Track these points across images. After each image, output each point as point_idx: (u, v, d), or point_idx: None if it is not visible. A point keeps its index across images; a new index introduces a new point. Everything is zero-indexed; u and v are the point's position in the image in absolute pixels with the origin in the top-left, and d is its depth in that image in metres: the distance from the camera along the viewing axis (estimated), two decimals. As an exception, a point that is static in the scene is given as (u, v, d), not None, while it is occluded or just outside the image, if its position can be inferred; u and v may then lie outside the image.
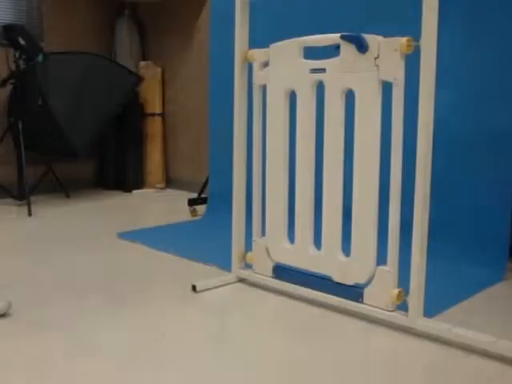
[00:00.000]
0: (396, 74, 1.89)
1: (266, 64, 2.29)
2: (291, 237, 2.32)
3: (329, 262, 2.16)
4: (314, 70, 2.13)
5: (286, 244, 2.33)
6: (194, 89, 4.76)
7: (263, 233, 2.37)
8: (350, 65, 2.01)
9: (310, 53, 2.19)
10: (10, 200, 4.35)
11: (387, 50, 1.90)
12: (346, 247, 2.11)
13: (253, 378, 1.66)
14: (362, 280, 2.05)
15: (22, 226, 3.62)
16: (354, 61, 1.99)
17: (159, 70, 5.02)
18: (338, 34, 2.04)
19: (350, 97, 2.07)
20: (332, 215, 2.15)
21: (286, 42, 2.21)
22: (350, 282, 2.09)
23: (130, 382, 1.63)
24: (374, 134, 1.97)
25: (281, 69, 2.24)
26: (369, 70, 1.96)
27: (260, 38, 2.49)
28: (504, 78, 2.61)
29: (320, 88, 2.14)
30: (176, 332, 1.98)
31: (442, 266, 2.60)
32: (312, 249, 2.24)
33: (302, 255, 2.26)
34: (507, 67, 2.60)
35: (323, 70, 2.10)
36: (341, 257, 2.13)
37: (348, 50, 2.00)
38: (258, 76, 2.31)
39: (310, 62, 2.14)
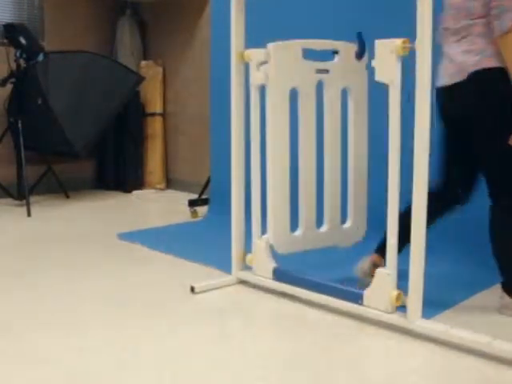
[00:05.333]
0: (392, 75, 1.89)
1: (261, 64, 2.27)
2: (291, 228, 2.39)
3: (333, 233, 2.43)
4: (319, 71, 2.26)
5: (292, 234, 2.36)
6: (195, 88, 4.75)
7: (263, 232, 2.36)
8: (351, 67, 2.19)
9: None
10: (9, 200, 4.35)
11: (383, 52, 1.90)
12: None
13: (252, 379, 1.66)
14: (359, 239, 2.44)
15: (21, 226, 3.62)
16: (354, 63, 2.08)
17: (160, 69, 5.02)
18: (339, 42, 2.26)
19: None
20: (333, 197, 2.42)
21: (287, 42, 2.22)
22: (352, 242, 2.44)
23: (130, 382, 1.63)
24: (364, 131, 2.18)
25: (283, 68, 2.23)
26: (365, 71, 2.03)
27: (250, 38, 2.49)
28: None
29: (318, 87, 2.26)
30: (174, 333, 1.97)
31: (440, 268, 2.60)
32: (316, 229, 2.41)
33: (309, 238, 2.38)
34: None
35: (326, 71, 2.27)
36: (342, 226, 2.45)
37: (348, 54, 2.06)
38: (256, 76, 2.29)
39: (315, 63, 2.25)
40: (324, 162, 2.38)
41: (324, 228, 2.44)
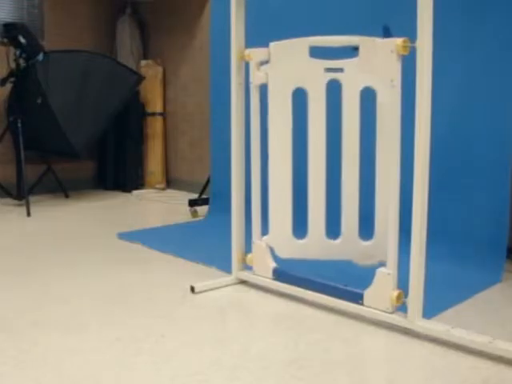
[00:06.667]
0: (392, 75, 1.89)
1: (262, 63, 2.27)
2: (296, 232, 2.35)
3: (349, 248, 2.26)
4: (330, 69, 2.18)
5: (294, 239, 2.34)
6: (195, 88, 4.75)
7: (263, 232, 2.36)
8: (369, 64, 2.06)
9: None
10: (8, 200, 4.34)
11: (383, 51, 1.90)
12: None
13: (252, 379, 1.65)
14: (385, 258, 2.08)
15: (20, 226, 3.62)
16: (372, 61, 2.03)
17: (160, 69, 5.02)
18: (356, 37, 2.10)
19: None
20: (350, 209, 2.26)
21: (290, 40, 2.21)
22: (375, 262, 2.16)
23: (130, 381, 1.62)
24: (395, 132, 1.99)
25: (285, 67, 2.23)
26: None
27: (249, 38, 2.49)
28: (499, 80, 2.60)
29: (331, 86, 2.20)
30: (175, 333, 1.97)
31: (440, 268, 2.59)
32: (325, 239, 2.30)
33: (315, 247, 2.30)
34: (503, 68, 2.59)
35: (340, 70, 2.16)
36: (362, 241, 2.25)
37: (368, 50, 2.03)
38: (257, 76, 2.29)
39: (324, 61, 2.17)
40: (342, 168, 2.27)
41: (338, 240, 2.31)
